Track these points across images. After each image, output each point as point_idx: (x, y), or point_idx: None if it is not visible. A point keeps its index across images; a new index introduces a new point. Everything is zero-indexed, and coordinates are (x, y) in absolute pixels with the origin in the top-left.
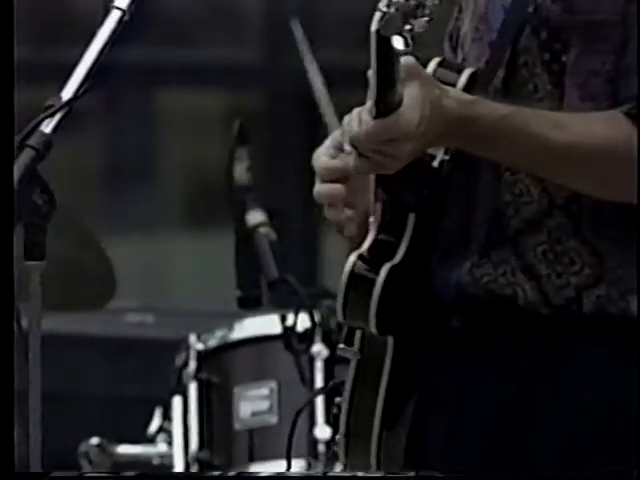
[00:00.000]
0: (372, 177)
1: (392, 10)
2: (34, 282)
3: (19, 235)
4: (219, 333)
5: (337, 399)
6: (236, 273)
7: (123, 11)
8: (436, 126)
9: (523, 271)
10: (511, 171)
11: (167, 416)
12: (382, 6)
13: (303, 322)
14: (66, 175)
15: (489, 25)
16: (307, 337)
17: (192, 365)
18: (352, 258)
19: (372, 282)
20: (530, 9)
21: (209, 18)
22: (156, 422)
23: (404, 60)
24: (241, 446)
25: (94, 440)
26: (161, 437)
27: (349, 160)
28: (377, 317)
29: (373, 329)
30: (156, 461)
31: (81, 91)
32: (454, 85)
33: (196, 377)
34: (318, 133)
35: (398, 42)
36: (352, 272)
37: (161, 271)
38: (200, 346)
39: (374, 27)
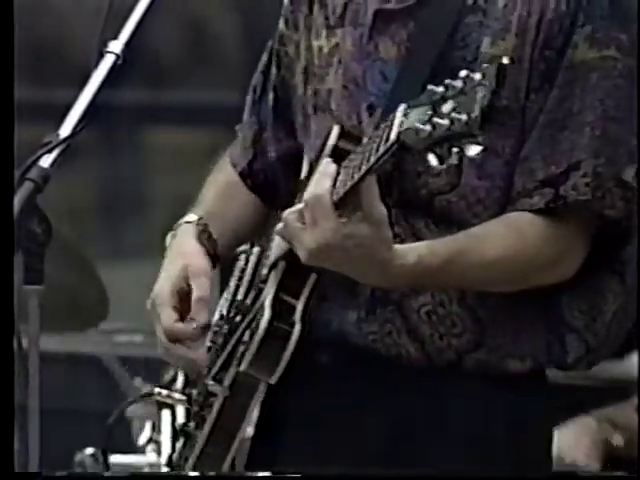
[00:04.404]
0: None
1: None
2: (32, 305)
3: (19, 261)
4: None
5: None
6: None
7: (117, 55)
8: (382, 280)
9: (408, 332)
10: (401, 237)
11: (156, 428)
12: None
13: None
14: (64, 206)
15: (365, 87)
16: None
17: (180, 381)
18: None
19: (286, 340)
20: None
21: (195, 62)
22: (146, 434)
23: (379, 207)
24: None
25: (89, 450)
26: (151, 447)
27: (203, 312)
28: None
29: (274, 381)
30: (146, 470)
31: (78, 129)
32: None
33: (183, 392)
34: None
35: (433, 159)
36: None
37: (149, 295)
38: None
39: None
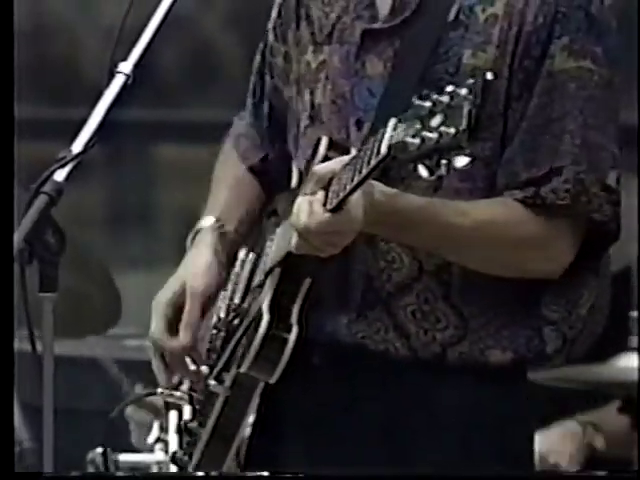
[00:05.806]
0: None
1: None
2: (47, 311)
3: (34, 270)
4: None
5: (188, 423)
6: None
7: (127, 76)
8: (369, 219)
9: (395, 329)
10: (385, 240)
11: (164, 428)
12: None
13: None
14: (78, 218)
15: (353, 103)
16: None
17: (186, 383)
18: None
19: (284, 341)
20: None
21: (199, 82)
22: (154, 433)
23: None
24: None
25: (99, 449)
26: (159, 446)
27: (186, 335)
28: (281, 372)
29: (273, 380)
30: (154, 468)
31: (90, 145)
32: None
33: (190, 394)
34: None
35: (423, 170)
36: (267, 332)
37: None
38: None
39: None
